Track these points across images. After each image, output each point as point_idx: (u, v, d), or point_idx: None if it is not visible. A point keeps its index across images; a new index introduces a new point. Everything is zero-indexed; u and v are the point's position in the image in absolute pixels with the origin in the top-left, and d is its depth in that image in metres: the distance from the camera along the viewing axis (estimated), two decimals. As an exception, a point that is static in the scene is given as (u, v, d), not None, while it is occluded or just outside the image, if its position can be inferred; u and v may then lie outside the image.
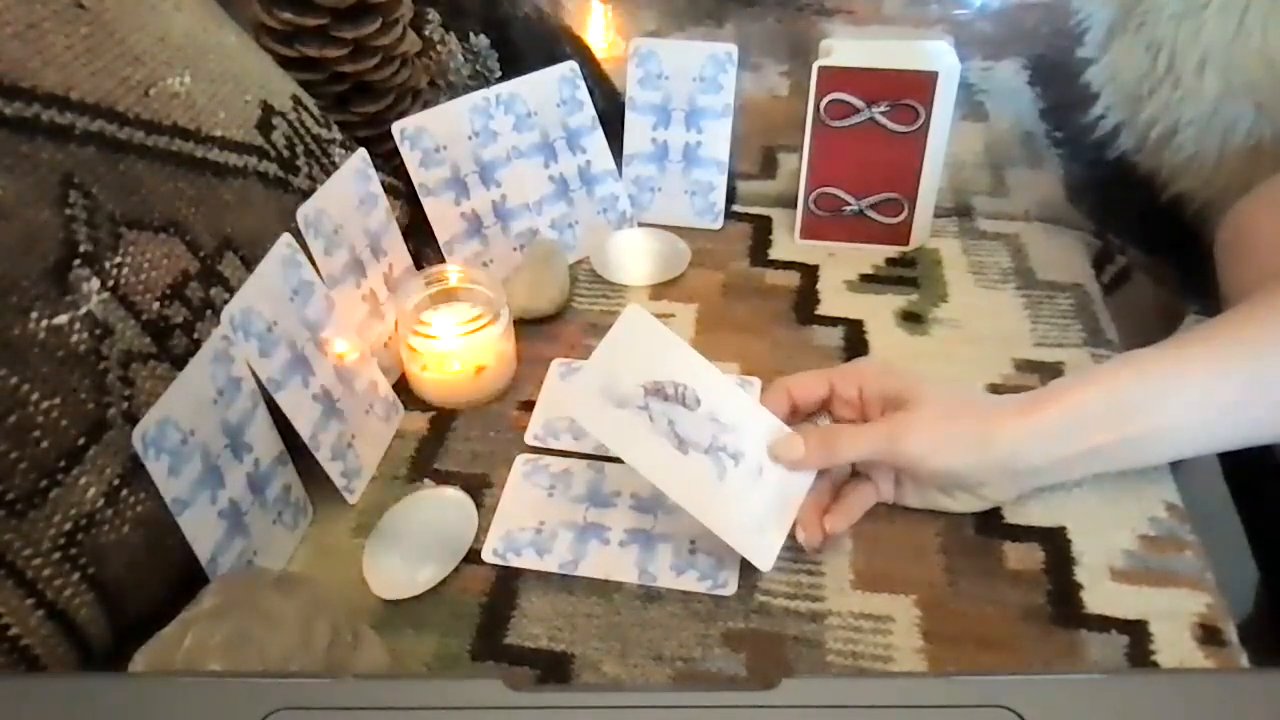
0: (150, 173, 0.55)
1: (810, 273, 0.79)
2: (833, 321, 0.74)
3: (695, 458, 0.52)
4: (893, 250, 0.80)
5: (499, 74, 0.84)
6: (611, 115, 0.81)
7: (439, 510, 0.60)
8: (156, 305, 0.53)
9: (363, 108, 0.74)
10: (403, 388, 0.68)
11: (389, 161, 0.72)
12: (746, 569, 0.54)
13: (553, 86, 0.76)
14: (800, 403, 0.57)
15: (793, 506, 0.54)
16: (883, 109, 0.75)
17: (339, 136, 0.72)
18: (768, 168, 0.90)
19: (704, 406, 0.53)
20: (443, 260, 0.73)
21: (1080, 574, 0.54)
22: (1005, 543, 0.56)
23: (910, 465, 0.54)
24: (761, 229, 0.84)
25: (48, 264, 0.48)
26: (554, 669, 0.51)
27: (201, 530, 0.50)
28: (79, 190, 0.50)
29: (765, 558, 0.53)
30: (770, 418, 0.55)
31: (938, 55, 0.74)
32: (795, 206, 0.81)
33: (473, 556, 0.57)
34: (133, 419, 0.47)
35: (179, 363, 0.51)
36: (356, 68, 0.72)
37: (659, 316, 0.53)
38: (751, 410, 0.55)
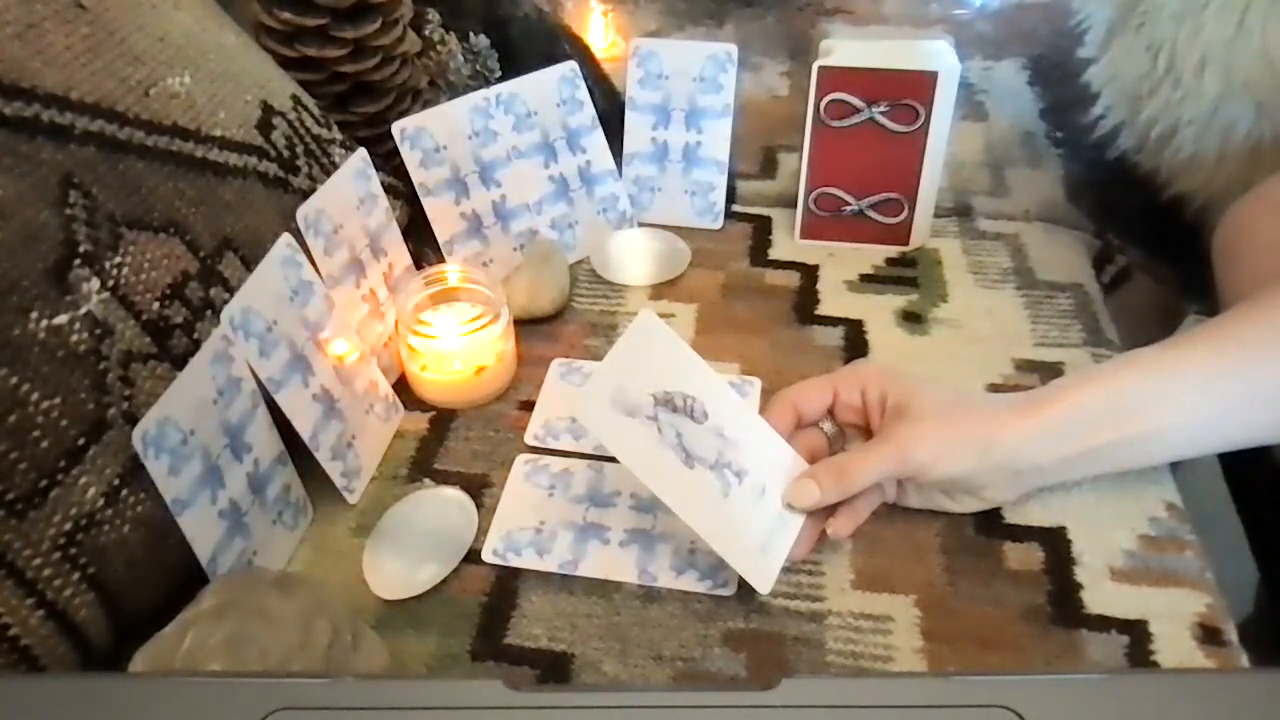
0: (150, 173, 0.55)
1: (810, 273, 0.79)
2: (833, 321, 0.74)
3: (700, 473, 0.52)
4: (893, 250, 0.80)
5: (499, 74, 0.84)
6: (611, 115, 0.81)
7: (439, 510, 0.60)
8: (156, 305, 0.53)
9: (363, 108, 0.74)
10: (403, 388, 0.68)
11: (389, 161, 0.72)
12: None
13: (553, 86, 0.76)
14: (805, 413, 0.58)
15: (792, 529, 0.54)
16: (883, 109, 0.75)
17: (339, 136, 0.72)
18: (768, 168, 0.90)
19: (711, 420, 0.53)
20: (443, 260, 0.73)
21: (1080, 574, 0.54)
22: (1005, 543, 0.56)
23: (916, 474, 0.54)
24: (761, 229, 0.84)
25: (48, 264, 0.48)
26: (554, 669, 0.51)
27: (201, 530, 0.50)
28: (79, 190, 0.50)
29: (764, 581, 0.52)
30: (774, 436, 0.55)
31: (938, 55, 0.74)
32: (795, 206, 0.81)
33: (473, 556, 0.57)
34: (133, 419, 0.47)
35: (179, 363, 0.51)
36: (356, 68, 0.72)
37: (659, 316, 0.53)
38: (756, 427, 0.55)
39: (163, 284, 0.53)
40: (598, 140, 0.79)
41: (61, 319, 0.47)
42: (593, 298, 0.77)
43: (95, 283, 0.49)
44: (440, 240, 0.73)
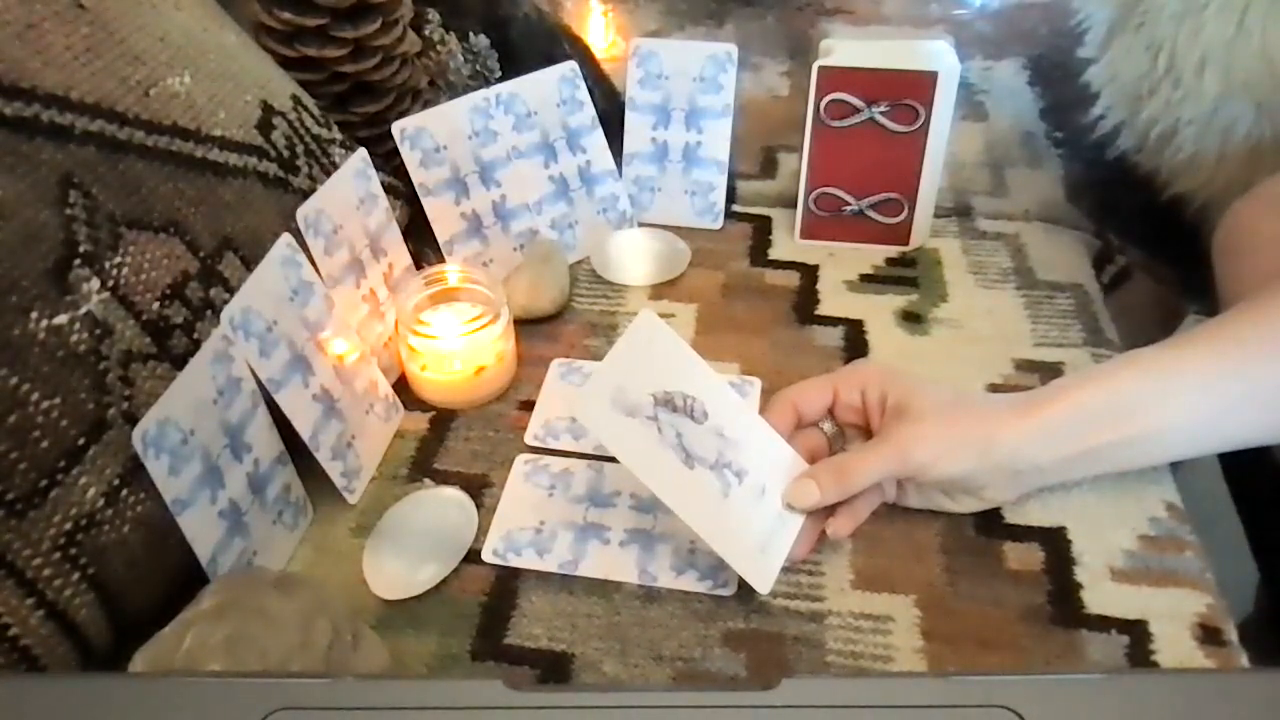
0: (150, 173, 0.55)
1: (810, 273, 0.79)
2: (833, 321, 0.74)
3: (701, 473, 0.52)
4: (893, 250, 0.80)
5: (499, 74, 0.84)
6: (611, 115, 0.81)
7: (439, 510, 0.60)
8: (156, 305, 0.53)
9: (363, 108, 0.74)
10: (403, 388, 0.68)
11: (389, 161, 0.72)
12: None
13: (553, 86, 0.76)
14: (805, 413, 0.58)
15: (792, 529, 0.54)
16: (883, 109, 0.75)
17: (339, 136, 0.72)
18: (768, 168, 0.90)
19: (710, 420, 0.53)
20: (443, 260, 0.73)
21: (1080, 574, 0.54)
22: (1005, 543, 0.56)
23: (916, 474, 0.54)
24: (761, 229, 0.84)
25: (48, 264, 0.48)
26: (554, 669, 0.51)
27: (201, 530, 0.50)
28: (79, 190, 0.50)
29: (764, 581, 0.52)
30: (774, 435, 0.55)
31: (938, 55, 0.74)
32: (795, 206, 0.81)
33: (473, 556, 0.57)
34: (133, 419, 0.47)
35: (179, 363, 0.51)
36: (356, 68, 0.72)
37: (659, 316, 0.53)
38: (756, 426, 0.55)
39: (163, 284, 0.53)
40: (598, 140, 0.79)
41: (61, 319, 0.47)
42: (593, 298, 0.77)
43: (95, 283, 0.49)
44: (440, 240, 0.73)
